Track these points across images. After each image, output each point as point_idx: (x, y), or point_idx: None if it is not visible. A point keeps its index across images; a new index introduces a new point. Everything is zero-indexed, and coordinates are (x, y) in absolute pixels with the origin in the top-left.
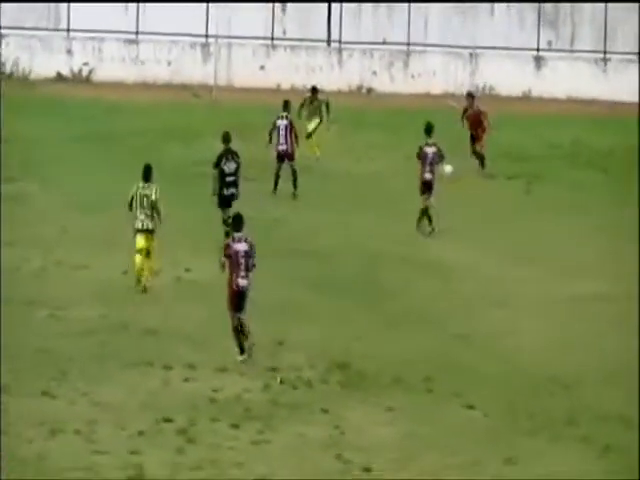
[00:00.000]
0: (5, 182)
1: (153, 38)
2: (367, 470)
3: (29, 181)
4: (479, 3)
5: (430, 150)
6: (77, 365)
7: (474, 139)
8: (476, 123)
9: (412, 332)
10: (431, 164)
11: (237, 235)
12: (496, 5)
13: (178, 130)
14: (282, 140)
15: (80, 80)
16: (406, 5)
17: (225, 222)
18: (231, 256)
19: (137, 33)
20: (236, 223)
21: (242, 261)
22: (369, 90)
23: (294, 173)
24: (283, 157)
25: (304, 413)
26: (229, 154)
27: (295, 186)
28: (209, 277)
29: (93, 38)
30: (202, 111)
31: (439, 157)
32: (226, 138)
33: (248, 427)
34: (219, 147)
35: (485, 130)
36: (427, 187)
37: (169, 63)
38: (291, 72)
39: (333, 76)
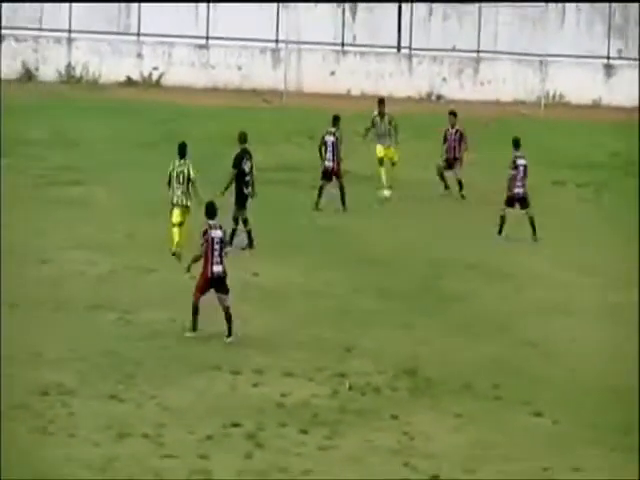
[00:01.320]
0: (72, 185)
1: (223, 43)
2: (435, 477)
3: (96, 184)
4: (550, 10)
5: (522, 163)
6: (145, 369)
7: (449, 162)
8: (456, 143)
9: (479, 338)
10: (522, 178)
11: (212, 222)
12: (566, 13)
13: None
14: (329, 156)
15: (150, 84)
16: (476, 12)
17: (236, 220)
18: (207, 242)
19: (207, 38)
20: (210, 210)
21: (217, 247)
22: (439, 97)
23: (342, 190)
24: (330, 174)
25: (372, 419)
26: (246, 154)
27: (344, 202)
28: (277, 282)
29: (163, 42)
30: (271, 116)
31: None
32: (243, 138)
33: (316, 433)
34: (288, 153)
35: (463, 150)
36: (519, 201)
37: (239, 68)
38: (361, 78)
39: (403, 82)
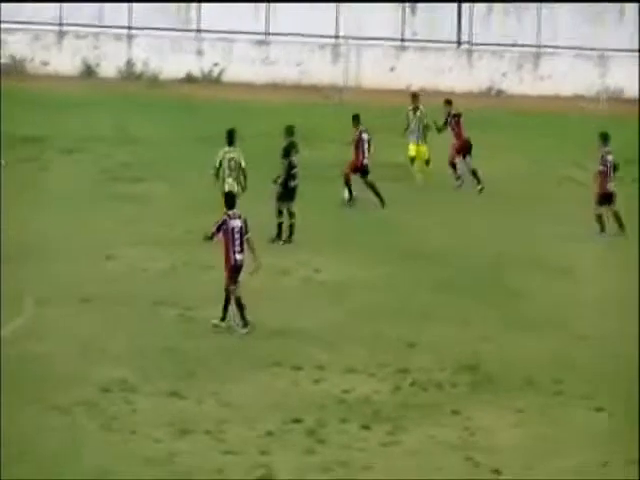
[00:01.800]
0: (132, 182)
1: (283, 39)
2: (497, 472)
3: (156, 181)
4: (608, 5)
5: (611, 159)
6: (206, 365)
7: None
8: (457, 130)
9: (539, 333)
10: (612, 174)
11: (232, 212)
12: (626, 8)
13: (306, 132)
14: (367, 154)
15: (210, 81)
16: (535, 7)
17: (280, 213)
18: (227, 232)
19: (267, 34)
20: (229, 200)
21: (237, 236)
22: (499, 92)
23: (374, 186)
24: (361, 169)
25: (434, 415)
26: (294, 146)
27: (380, 198)
28: (339, 278)
29: (223, 39)
30: (331, 113)
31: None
32: (290, 131)
33: (378, 428)
34: (348, 149)
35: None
36: (609, 198)
37: (298, 64)
38: (421, 73)
39: (463, 77)
